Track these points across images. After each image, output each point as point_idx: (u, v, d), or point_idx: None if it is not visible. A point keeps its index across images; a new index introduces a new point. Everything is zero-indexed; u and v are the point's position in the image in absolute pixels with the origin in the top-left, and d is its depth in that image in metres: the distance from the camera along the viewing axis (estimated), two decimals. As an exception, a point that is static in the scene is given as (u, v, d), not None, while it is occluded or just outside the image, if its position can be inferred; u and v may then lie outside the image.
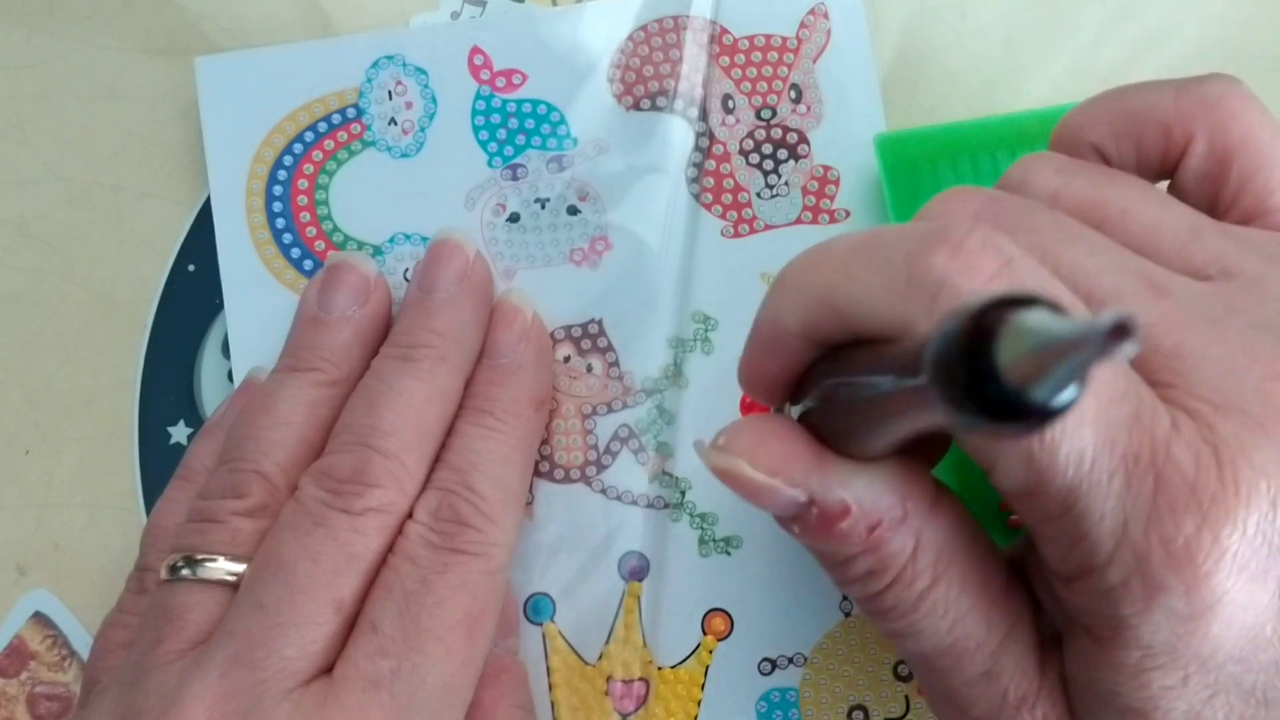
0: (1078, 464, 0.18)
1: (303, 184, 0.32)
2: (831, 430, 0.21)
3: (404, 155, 0.32)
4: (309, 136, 0.32)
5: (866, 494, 0.20)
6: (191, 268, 0.32)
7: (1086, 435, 0.18)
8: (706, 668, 0.30)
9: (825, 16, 0.32)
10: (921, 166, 0.31)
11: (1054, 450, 0.18)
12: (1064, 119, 0.25)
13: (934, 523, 0.21)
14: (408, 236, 0.31)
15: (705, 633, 0.30)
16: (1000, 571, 0.22)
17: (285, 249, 0.31)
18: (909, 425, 0.18)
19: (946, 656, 0.21)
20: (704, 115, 0.32)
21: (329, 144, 0.32)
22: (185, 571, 0.25)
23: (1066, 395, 0.13)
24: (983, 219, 0.21)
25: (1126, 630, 0.19)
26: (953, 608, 0.21)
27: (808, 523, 0.21)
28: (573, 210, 0.31)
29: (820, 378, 0.21)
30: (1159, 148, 0.23)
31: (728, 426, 0.22)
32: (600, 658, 0.30)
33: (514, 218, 0.31)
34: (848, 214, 0.31)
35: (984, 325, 0.13)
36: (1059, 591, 0.20)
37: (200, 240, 0.32)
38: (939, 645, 0.21)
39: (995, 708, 0.21)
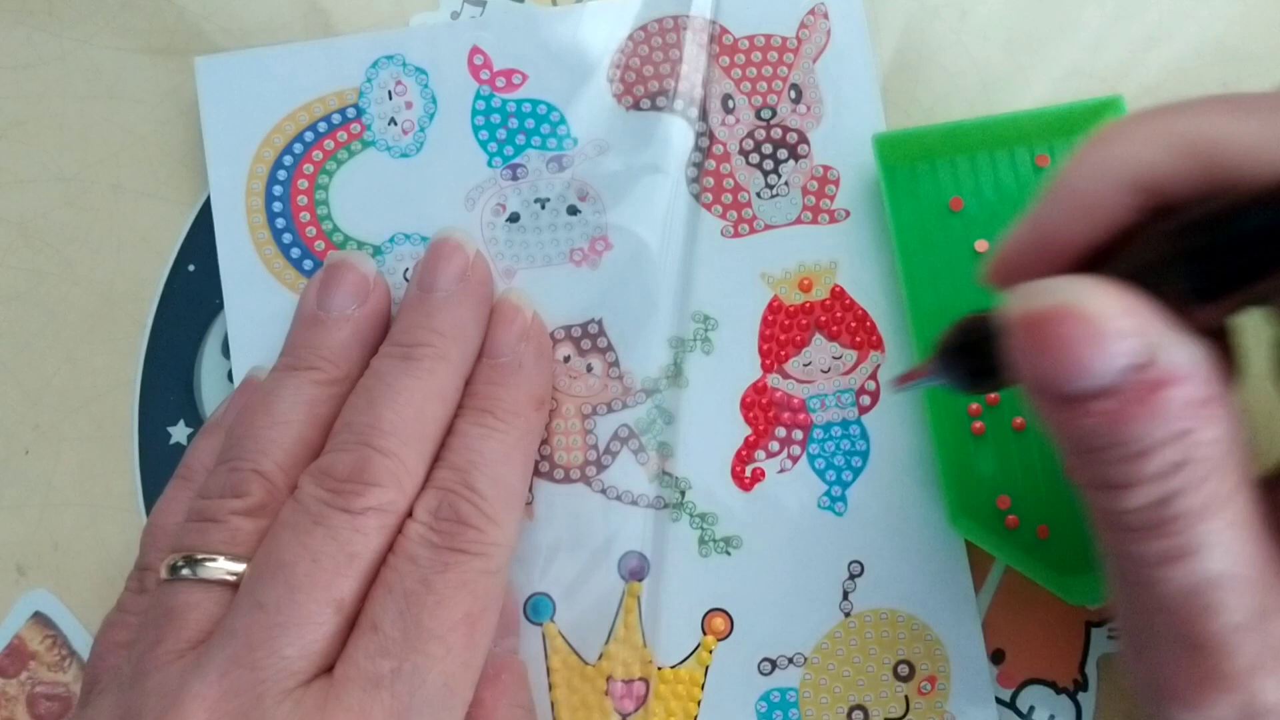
0: None
1: (303, 184, 0.32)
2: (1156, 299, 0.18)
3: (404, 155, 0.32)
4: (309, 136, 0.32)
5: (1198, 363, 0.18)
6: (191, 268, 0.32)
7: None
8: (706, 668, 0.30)
9: (825, 16, 0.32)
10: (920, 166, 0.31)
11: None
12: (1102, 137, 0.22)
13: (1234, 416, 0.19)
14: (408, 236, 0.31)
15: (705, 633, 0.30)
16: (1265, 504, 0.19)
17: (285, 249, 0.31)
18: None
19: (1221, 588, 0.18)
20: (704, 115, 0.31)
21: (329, 144, 0.32)
22: (185, 571, 0.25)
23: None
24: None
25: None
26: (1246, 521, 0.18)
27: (1127, 393, 0.18)
28: (573, 210, 0.31)
29: (1156, 236, 0.19)
30: None
31: (1044, 281, 0.19)
32: (600, 658, 0.30)
33: (514, 218, 0.31)
34: (847, 214, 0.31)
35: None
36: None
37: (200, 240, 0.32)
38: (1220, 570, 0.18)
39: (1258, 657, 0.18)
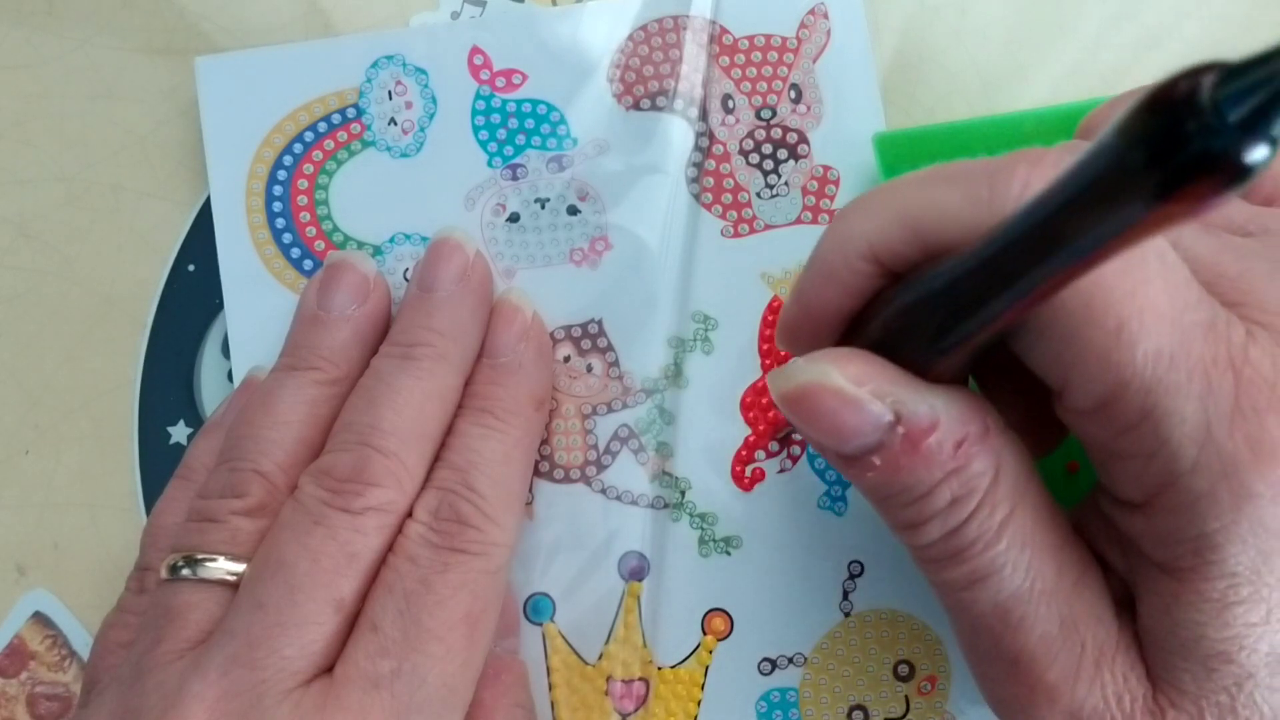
0: (1155, 362, 0.18)
1: (303, 184, 0.32)
2: (901, 356, 0.20)
3: (404, 155, 0.32)
4: (309, 136, 0.32)
5: (951, 408, 0.20)
6: (191, 268, 0.32)
7: (1164, 334, 0.18)
8: (706, 668, 0.30)
9: (825, 16, 0.32)
10: (920, 165, 0.31)
11: (1132, 346, 0.18)
12: (1094, 113, 0.25)
13: (1010, 444, 0.20)
14: (408, 236, 0.31)
15: (705, 633, 0.30)
16: (1063, 517, 0.21)
17: (285, 249, 0.31)
18: (1031, 282, 0.17)
19: (1022, 603, 0.20)
20: (704, 115, 0.31)
21: (329, 144, 0.32)
22: (185, 571, 0.25)
23: (1261, 150, 0.13)
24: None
25: (1210, 553, 0.18)
26: (1031, 540, 0.20)
27: (891, 448, 0.20)
28: (573, 210, 0.31)
29: (891, 300, 0.21)
30: None
31: (796, 359, 0.21)
32: (600, 658, 0.30)
33: (514, 218, 0.31)
34: (848, 214, 0.31)
35: (1189, 80, 0.13)
36: (1134, 528, 0.20)
37: (200, 240, 0.32)
38: (1016, 587, 0.20)
39: (1073, 665, 0.20)
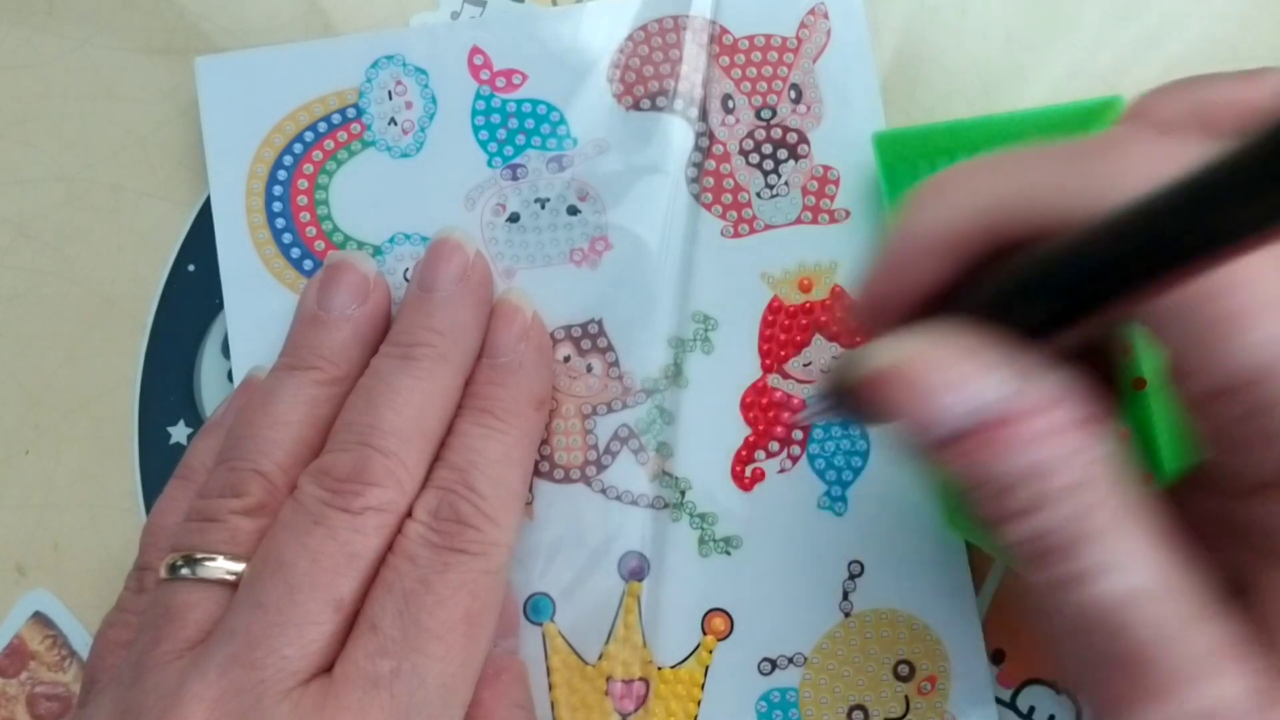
0: (1275, 345, 0.17)
1: (303, 184, 0.32)
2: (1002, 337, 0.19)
3: (404, 155, 0.32)
4: (309, 136, 0.32)
5: (1054, 391, 0.19)
6: (191, 268, 0.32)
7: None
8: (706, 668, 0.30)
9: (825, 16, 0.32)
10: (920, 165, 0.31)
11: (1251, 329, 0.17)
12: (1137, 102, 0.24)
13: (1108, 434, 0.19)
14: (408, 236, 0.31)
15: (705, 633, 0.30)
16: (1168, 506, 0.20)
17: (285, 249, 0.31)
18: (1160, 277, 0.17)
19: (1136, 601, 0.19)
20: (704, 115, 0.31)
21: (329, 144, 0.32)
22: (184, 571, 0.25)
23: None
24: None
25: None
26: (1146, 532, 0.19)
27: (986, 430, 0.18)
28: (573, 210, 0.31)
29: (988, 280, 0.20)
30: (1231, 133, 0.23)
31: (889, 337, 0.20)
32: (600, 658, 0.30)
33: (514, 218, 0.31)
34: (848, 214, 0.31)
35: None
36: (1252, 514, 0.19)
37: (200, 240, 0.32)
38: (1130, 585, 0.19)
39: (1189, 663, 0.19)
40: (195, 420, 0.32)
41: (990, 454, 0.19)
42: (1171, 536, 0.19)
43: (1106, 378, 0.20)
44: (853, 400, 0.21)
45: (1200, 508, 0.21)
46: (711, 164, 0.31)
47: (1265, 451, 0.18)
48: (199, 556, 0.25)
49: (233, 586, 0.25)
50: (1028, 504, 0.19)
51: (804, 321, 0.31)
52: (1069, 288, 0.18)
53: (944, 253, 0.21)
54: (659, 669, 0.30)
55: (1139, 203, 0.16)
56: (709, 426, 0.31)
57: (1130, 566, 0.19)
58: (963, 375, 0.18)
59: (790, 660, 0.30)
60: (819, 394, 0.24)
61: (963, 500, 0.20)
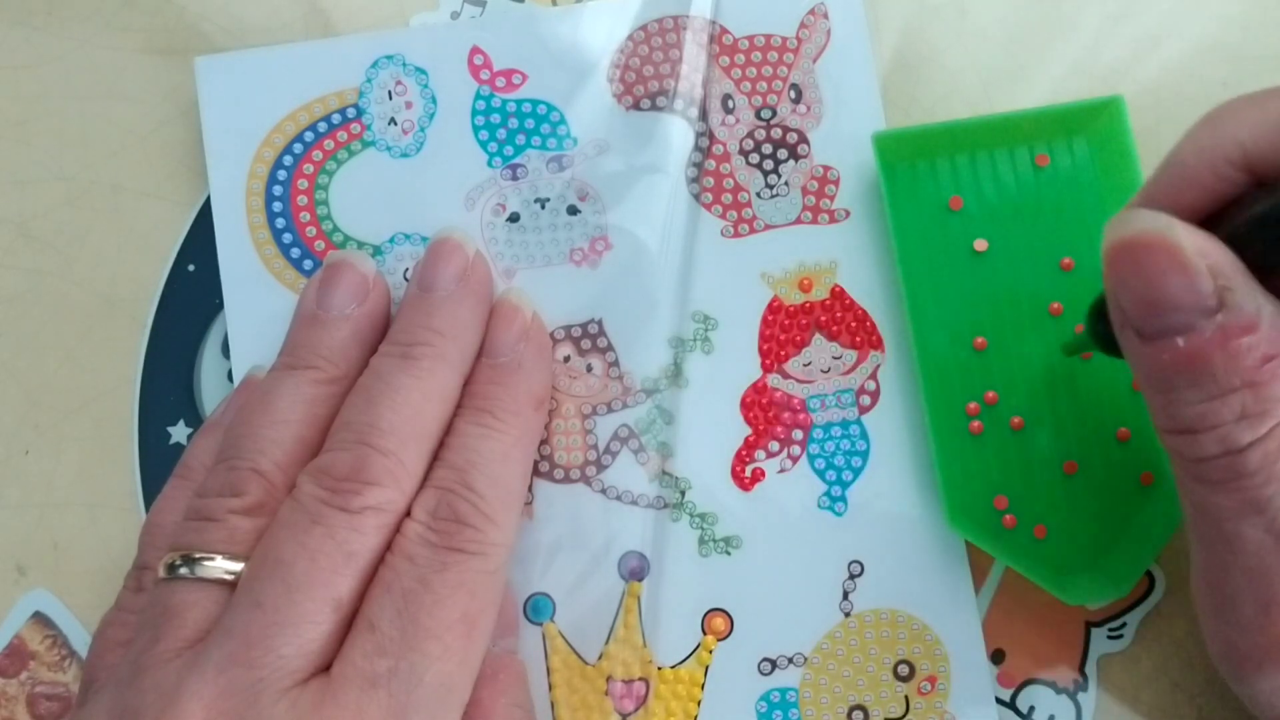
0: None
1: (303, 184, 0.32)
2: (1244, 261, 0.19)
3: (404, 155, 0.32)
4: (309, 136, 0.32)
5: (1276, 318, 0.19)
6: (191, 268, 0.32)
7: None
8: (706, 668, 0.30)
9: (825, 16, 0.32)
10: (919, 164, 0.31)
11: None
12: (1211, 116, 0.23)
13: None
14: (408, 236, 0.31)
15: (705, 633, 0.30)
16: None
17: (285, 249, 0.31)
18: None
19: None
20: (704, 115, 0.31)
21: (329, 144, 0.32)
22: (183, 570, 0.25)
23: None
24: None
25: None
26: None
27: (1200, 333, 0.19)
28: (573, 210, 0.31)
29: (1250, 205, 0.20)
30: None
31: (1130, 213, 0.20)
32: (600, 658, 0.30)
33: (514, 218, 0.31)
34: (848, 214, 0.31)
35: None
36: None
37: (200, 240, 0.32)
38: None
39: None
40: (195, 420, 0.32)
41: (1206, 356, 0.19)
42: None
43: None
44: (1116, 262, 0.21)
45: None
46: (711, 164, 0.31)
47: None
48: (197, 556, 0.25)
49: (231, 586, 0.25)
50: (1229, 417, 0.19)
51: (804, 321, 0.31)
52: None
53: (1229, 170, 0.20)
54: (659, 669, 0.30)
55: None
56: (709, 426, 0.31)
57: None
58: (1201, 267, 0.19)
59: (790, 660, 0.30)
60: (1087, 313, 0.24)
61: (1149, 405, 0.20)
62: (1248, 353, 0.18)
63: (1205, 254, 0.19)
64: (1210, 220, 0.21)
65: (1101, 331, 0.24)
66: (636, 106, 0.31)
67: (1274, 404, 0.19)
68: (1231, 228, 0.20)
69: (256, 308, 0.31)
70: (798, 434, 0.30)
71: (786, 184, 0.31)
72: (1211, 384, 0.19)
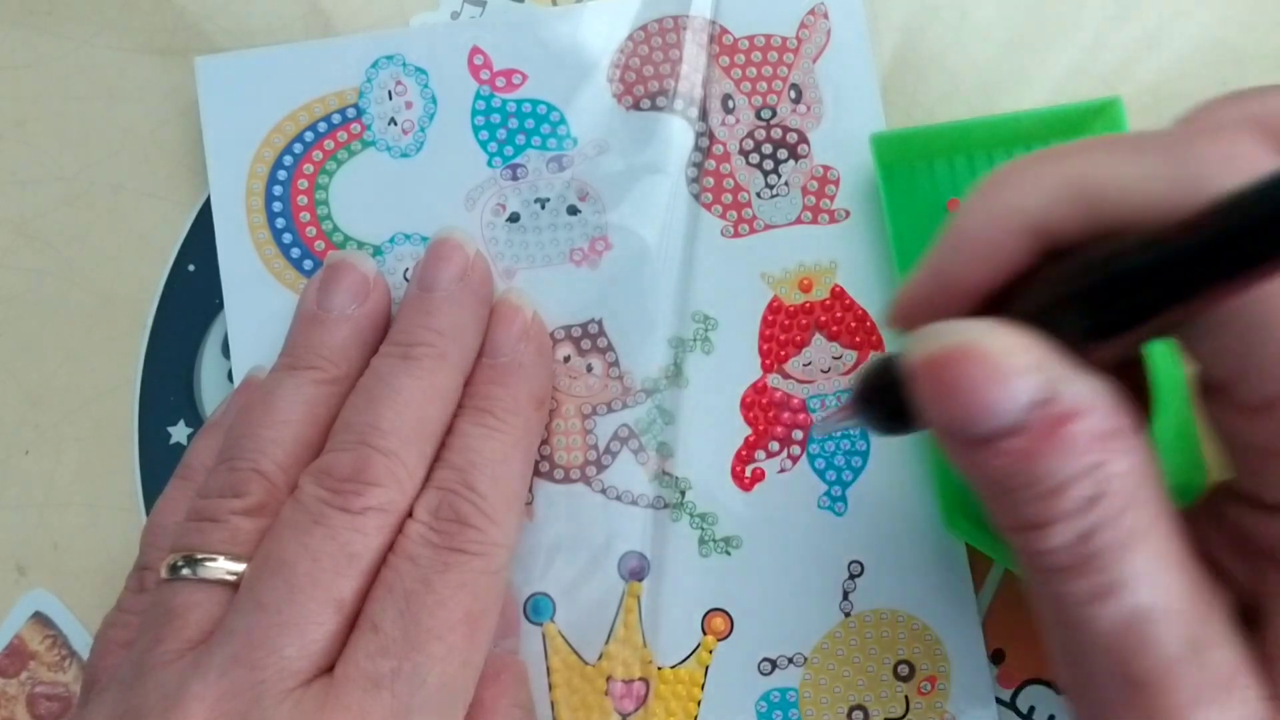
0: None
1: (303, 184, 0.32)
2: (1050, 339, 0.19)
3: (404, 155, 0.32)
4: (309, 136, 0.32)
5: (1106, 396, 0.18)
6: (191, 268, 0.32)
7: None
8: (706, 668, 0.30)
9: (825, 16, 0.32)
10: (917, 165, 0.31)
11: None
12: (1190, 114, 0.22)
13: (1147, 448, 0.19)
14: (408, 236, 0.31)
15: (705, 633, 0.30)
16: (1187, 529, 0.19)
17: (285, 249, 0.31)
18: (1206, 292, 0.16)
19: (1152, 621, 0.18)
20: (704, 115, 0.31)
21: (329, 144, 0.32)
22: (185, 571, 0.25)
23: None
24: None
25: None
26: (1167, 552, 0.18)
27: (1030, 430, 0.18)
28: (573, 210, 0.31)
29: (1048, 277, 0.20)
30: None
31: (940, 323, 0.19)
32: (600, 658, 0.30)
33: (514, 218, 0.31)
34: (848, 214, 0.31)
35: None
36: (1272, 533, 0.19)
37: (200, 240, 0.32)
38: (1148, 605, 0.18)
39: (1200, 689, 0.18)
40: (195, 420, 0.32)
41: (1032, 455, 0.18)
42: (1193, 560, 0.19)
43: (1135, 391, 0.20)
44: (884, 397, 0.21)
45: (1213, 528, 0.21)
46: (711, 164, 0.31)
47: None
48: (200, 556, 0.25)
49: (233, 587, 0.25)
50: (1071, 508, 0.18)
51: (804, 321, 0.31)
52: (1136, 289, 0.18)
53: (1012, 242, 0.20)
54: (659, 669, 0.30)
55: (1231, 200, 0.16)
56: (709, 426, 0.31)
57: (1153, 584, 0.18)
58: (1020, 367, 0.18)
59: (790, 660, 0.30)
60: (847, 396, 0.23)
61: (989, 508, 0.20)
62: (1084, 437, 0.18)
63: (1019, 351, 0.18)
64: (1004, 293, 0.21)
65: (876, 416, 0.23)
66: (636, 106, 0.31)
67: (1120, 480, 0.18)
68: (1037, 305, 0.20)
69: (256, 308, 0.31)
70: (798, 434, 0.30)
71: (786, 184, 0.31)
72: (1051, 477, 0.18)
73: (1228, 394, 0.19)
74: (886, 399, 0.22)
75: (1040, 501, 0.18)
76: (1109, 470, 0.18)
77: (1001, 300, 0.21)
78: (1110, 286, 0.18)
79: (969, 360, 0.18)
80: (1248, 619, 0.20)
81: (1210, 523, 0.21)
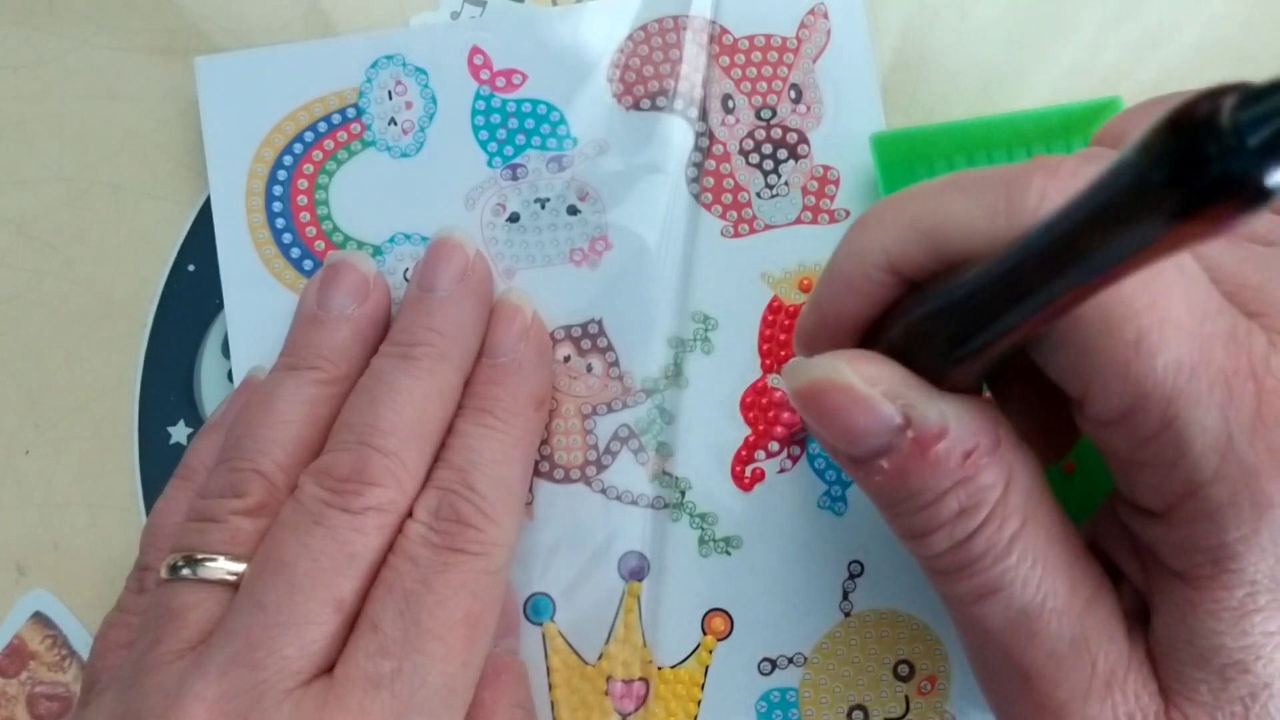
0: (1176, 373, 0.18)
1: (303, 184, 0.32)
2: (917, 363, 0.20)
3: (404, 155, 0.32)
4: (309, 136, 0.32)
5: (962, 417, 0.20)
6: (191, 268, 0.32)
7: (1184, 344, 0.18)
8: (706, 668, 0.30)
9: (825, 16, 0.32)
10: (917, 165, 0.31)
11: (1152, 358, 0.18)
12: (1112, 121, 0.25)
13: (1021, 458, 0.20)
14: (408, 236, 0.31)
15: (705, 633, 0.30)
16: (1075, 534, 0.21)
17: (285, 249, 0.31)
18: (1047, 297, 0.17)
19: (1033, 619, 0.20)
20: (704, 115, 0.31)
21: (329, 144, 0.32)
22: (185, 571, 0.25)
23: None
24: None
25: (1229, 562, 0.18)
26: (1042, 555, 0.20)
27: (899, 452, 0.20)
28: (573, 210, 0.31)
29: (908, 308, 0.21)
30: None
31: (811, 357, 0.21)
32: (600, 658, 0.30)
33: (514, 218, 0.31)
34: (847, 214, 0.31)
35: (1210, 101, 0.13)
36: (1153, 536, 0.20)
37: (200, 240, 0.32)
38: (1027, 603, 0.20)
39: (1083, 684, 0.20)
40: (195, 420, 0.32)
41: (888, 479, 0.20)
42: (1079, 562, 0.21)
43: (1065, 412, 0.21)
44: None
45: (1112, 533, 0.22)
46: (711, 164, 0.31)
47: (1160, 477, 0.19)
48: (200, 557, 0.25)
49: (233, 587, 0.25)
50: (944, 519, 0.20)
51: (804, 321, 0.31)
52: (966, 312, 0.19)
53: (876, 279, 0.21)
54: (659, 669, 0.30)
55: (1021, 234, 0.17)
56: (709, 426, 0.31)
57: (1027, 587, 0.20)
58: (875, 397, 0.20)
59: (790, 660, 0.30)
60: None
61: (883, 515, 0.22)
62: (947, 456, 0.20)
63: (876, 381, 0.20)
64: (879, 324, 0.22)
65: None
66: (636, 106, 0.31)
67: (986, 491, 0.20)
68: (894, 338, 0.21)
69: (256, 308, 0.31)
70: (798, 434, 0.30)
71: (786, 184, 0.31)
72: (924, 492, 0.20)
73: (1086, 408, 0.20)
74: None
75: (916, 514, 0.20)
76: (975, 484, 0.20)
77: (877, 330, 0.22)
78: (937, 316, 0.20)
79: (834, 390, 0.20)
80: (1139, 620, 0.21)
81: (1109, 525, 0.22)
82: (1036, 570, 0.20)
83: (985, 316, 0.19)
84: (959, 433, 0.20)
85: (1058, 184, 0.19)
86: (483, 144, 0.32)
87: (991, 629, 0.21)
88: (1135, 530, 0.21)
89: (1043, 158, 0.20)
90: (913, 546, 0.21)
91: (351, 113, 0.32)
